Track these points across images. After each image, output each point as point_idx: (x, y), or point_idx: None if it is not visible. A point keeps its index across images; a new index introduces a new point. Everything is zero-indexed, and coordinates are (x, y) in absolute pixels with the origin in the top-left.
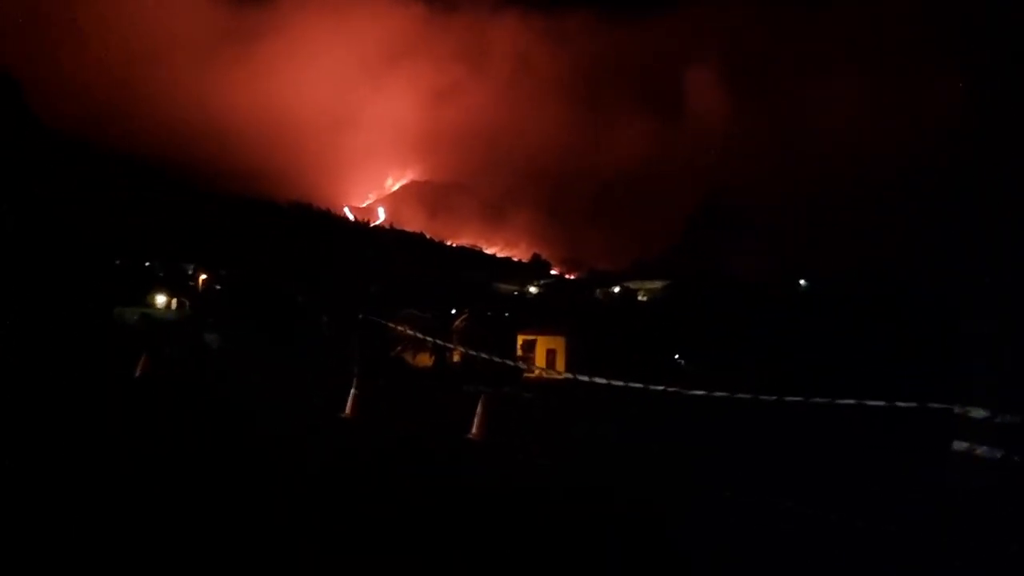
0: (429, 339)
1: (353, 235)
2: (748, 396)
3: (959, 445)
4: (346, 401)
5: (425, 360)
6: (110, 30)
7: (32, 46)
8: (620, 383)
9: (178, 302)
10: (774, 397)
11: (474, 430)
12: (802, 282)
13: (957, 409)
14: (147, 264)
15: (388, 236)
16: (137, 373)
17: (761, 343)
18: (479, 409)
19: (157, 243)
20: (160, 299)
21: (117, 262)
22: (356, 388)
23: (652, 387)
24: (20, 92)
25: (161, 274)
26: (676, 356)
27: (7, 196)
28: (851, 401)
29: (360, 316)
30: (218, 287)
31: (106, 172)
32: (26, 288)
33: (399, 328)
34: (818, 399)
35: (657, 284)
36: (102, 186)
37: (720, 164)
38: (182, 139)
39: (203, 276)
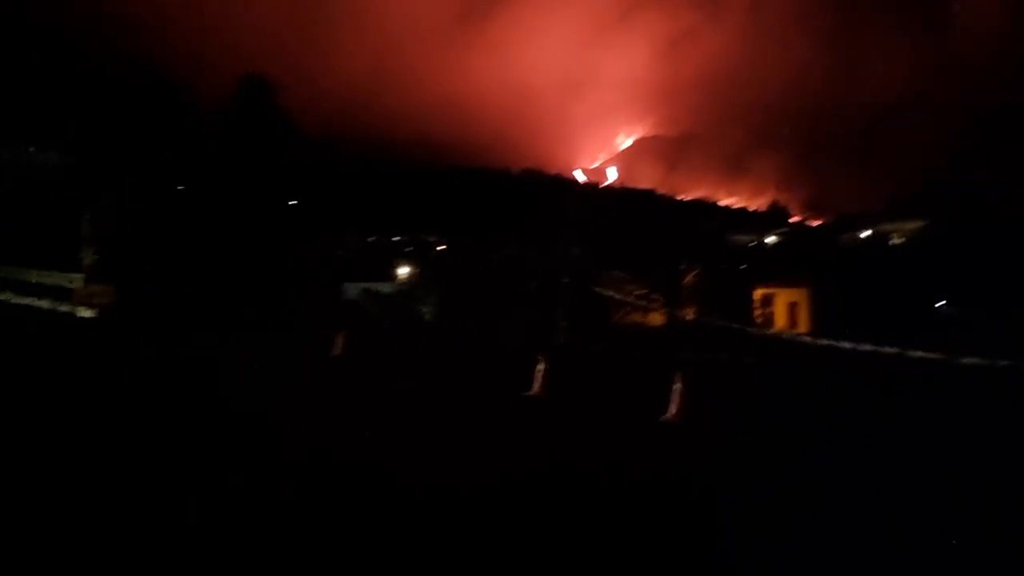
0: (632, 300)
1: (564, 196)
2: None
3: None
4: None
5: (657, 319)
6: (352, 24)
7: (284, 49)
8: (868, 348)
9: (410, 273)
10: None
11: (672, 411)
12: None
13: None
14: (388, 240)
15: (602, 195)
16: (337, 352)
17: None
18: (677, 387)
19: (393, 219)
20: (387, 273)
21: (370, 239)
22: (545, 363)
23: (887, 350)
24: (269, 92)
25: (408, 249)
26: (941, 303)
27: (257, 195)
28: None
29: (565, 281)
30: (438, 259)
31: (353, 160)
32: (257, 276)
33: (609, 292)
34: None
35: (914, 224)
36: (349, 172)
37: (988, 83)
38: (426, 120)
39: (438, 248)
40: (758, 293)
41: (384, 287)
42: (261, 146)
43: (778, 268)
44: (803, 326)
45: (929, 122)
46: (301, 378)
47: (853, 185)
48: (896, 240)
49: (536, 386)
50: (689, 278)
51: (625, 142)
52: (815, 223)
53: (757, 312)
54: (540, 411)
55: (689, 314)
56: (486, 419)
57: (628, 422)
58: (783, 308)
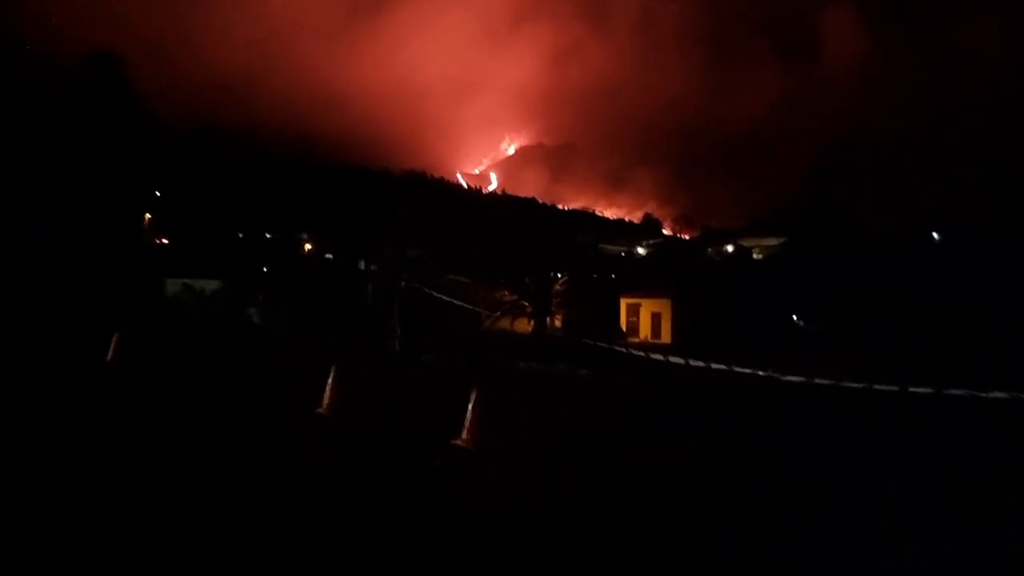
0: (471, 306)
1: (442, 200)
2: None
3: None
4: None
5: (524, 326)
6: (236, 14)
7: (157, 35)
8: (699, 364)
9: (244, 271)
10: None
11: (464, 434)
12: (935, 235)
13: None
14: (259, 236)
15: (485, 201)
16: (109, 356)
17: (889, 300)
18: (470, 406)
19: (263, 215)
20: (229, 269)
21: (240, 235)
22: (333, 378)
23: (737, 369)
24: (120, 69)
25: (280, 246)
26: (794, 317)
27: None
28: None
29: (402, 284)
30: (273, 256)
31: (225, 151)
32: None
33: (450, 297)
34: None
35: (774, 241)
36: (220, 164)
37: (849, 111)
38: (311, 115)
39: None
40: (624, 302)
41: (210, 284)
42: (104, 126)
43: (645, 279)
44: (665, 336)
45: (793, 143)
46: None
47: (723, 201)
48: (757, 255)
49: (324, 403)
50: (558, 286)
51: (509, 149)
52: (685, 236)
53: (624, 321)
54: (315, 436)
55: (557, 321)
56: (239, 449)
57: (411, 448)
58: (647, 318)
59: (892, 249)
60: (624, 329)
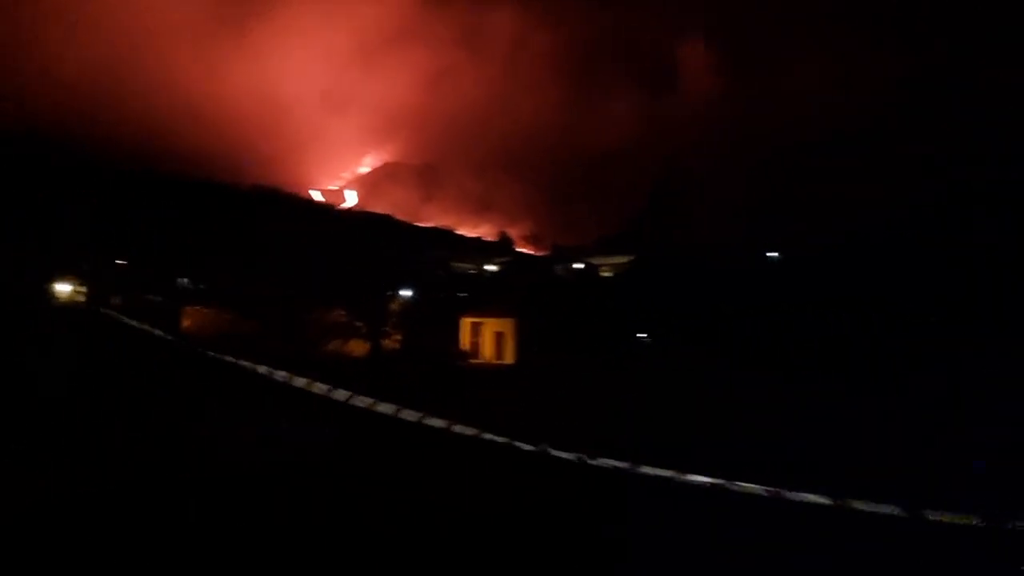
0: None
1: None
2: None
3: None
4: None
5: (359, 348)
6: (87, 12)
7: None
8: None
9: None
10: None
11: None
12: (771, 254)
13: None
14: None
15: (337, 217)
16: None
17: (731, 318)
18: None
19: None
20: None
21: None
22: None
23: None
24: None
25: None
26: (641, 335)
27: None
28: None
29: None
30: None
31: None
32: None
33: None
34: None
35: (622, 259)
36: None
37: (696, 137)
38: (163, 124)
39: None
40: (467, 322)
41: None
42: None
43: (492, 297)
44: (508, 356)
45: (649, 166)
46: None
47: (583, 222)
48: (605, 273)
49: None
50: (396, 304)
51: (369, 166)
52: (537, 254)
53: (466, 342)
54: None
55: (395, 342)
56: None
57: None
58: (490, 337)
59: (734, 266)
60: (468, 350)
